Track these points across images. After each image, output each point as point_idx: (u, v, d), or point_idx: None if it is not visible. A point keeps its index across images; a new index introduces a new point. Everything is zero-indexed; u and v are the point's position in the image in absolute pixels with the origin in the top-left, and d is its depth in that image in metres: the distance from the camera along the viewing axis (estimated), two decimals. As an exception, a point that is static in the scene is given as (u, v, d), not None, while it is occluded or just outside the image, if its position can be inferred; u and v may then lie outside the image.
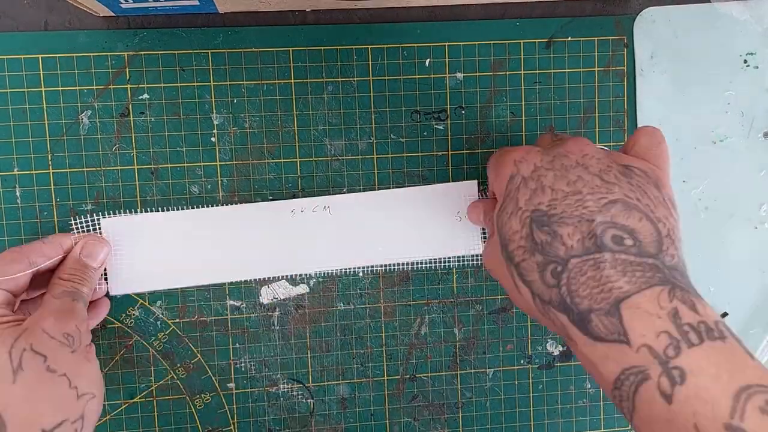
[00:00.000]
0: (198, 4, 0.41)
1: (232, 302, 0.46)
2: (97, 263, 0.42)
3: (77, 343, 0.37)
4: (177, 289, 0.45)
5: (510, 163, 0.35)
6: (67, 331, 0.37)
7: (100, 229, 0.44)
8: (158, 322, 0.45)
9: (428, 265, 0.47)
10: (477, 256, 0.47)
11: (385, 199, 0.46)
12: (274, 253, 0.45)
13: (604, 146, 0.47)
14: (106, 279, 0.43)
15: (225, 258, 0.44)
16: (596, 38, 0.47)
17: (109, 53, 0.44)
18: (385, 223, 0.45)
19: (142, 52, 0.44)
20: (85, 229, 0.43)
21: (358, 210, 0.45)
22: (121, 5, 0.40)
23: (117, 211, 0.44)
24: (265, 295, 0.46)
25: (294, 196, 0.45)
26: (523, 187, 0.34)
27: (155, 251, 0.44)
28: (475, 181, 0.46)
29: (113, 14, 0.43)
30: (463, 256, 0.46)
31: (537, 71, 0.47)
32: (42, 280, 0.40)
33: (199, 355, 0.46)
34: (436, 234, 0.46)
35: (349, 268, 0.46)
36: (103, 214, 0.44)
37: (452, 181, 0.46)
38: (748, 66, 0.48)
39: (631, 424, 0.29)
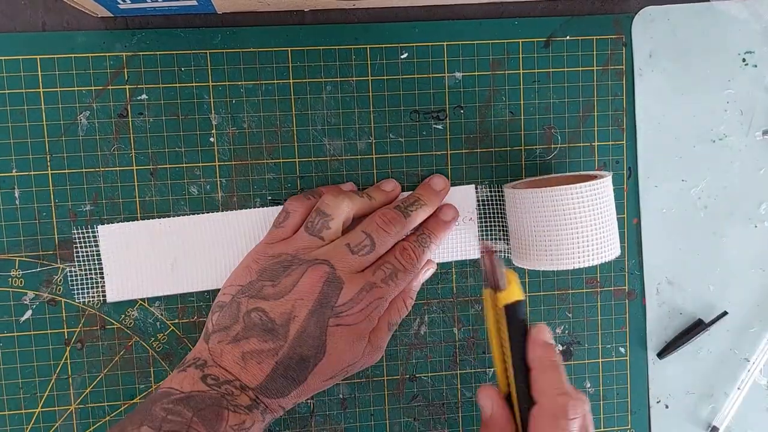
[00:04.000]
0: (196, 4, 0.41)
1: (231, 303, 0.46)
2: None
3: None
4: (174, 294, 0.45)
5: None
6: None
7: (97, 234, 0.44)
8: (157, 323, 0.45)
9: (427, 264, 0.47)
10: (474, 260, 0.47)
11: None
12: None
13: (602, 144, 0.47)
14: None
15: (220, 264, 0.44)
16: (595, 37, 0.47)
17: (107, 54, 0.43)
18: None
19: (141, 53, 0.44)
20: (84, 237, 0.43)
21: None
22: (119, 6, 0.40)
23: (116, 212, 0.44)
24: (265, 296, 0.46)
25: (293, 197, 0.45)
26: None
27: (150, 258, 0.44)
28: (473, 186, 0.46)
29: (111, 15, 0.43)
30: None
31: (536, 70, 0.47)
32: None
33: (198, 355, 0.46)
34: None
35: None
36: (102, 215, 0.44)
37: (451, 180, 0.46)
38: (746, 64, 0.48)
39: None
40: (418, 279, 0.45)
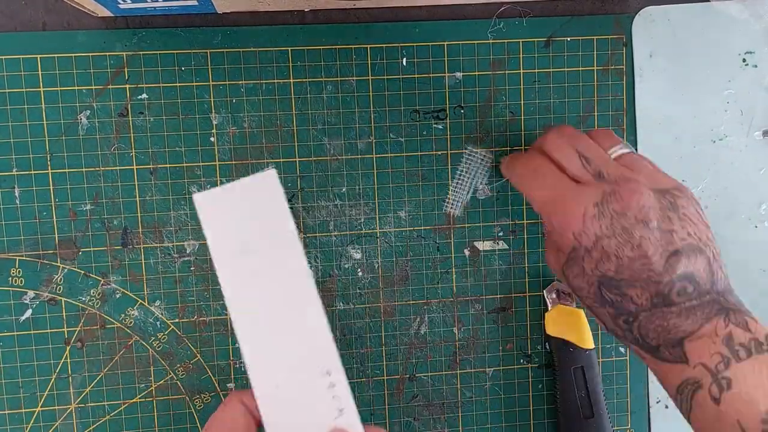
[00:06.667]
0: (196, 4, 0.41)
1: (231, 302, 0.46)
2: None
3: None
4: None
5: (569, 237, 0.36)
6: None
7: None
8: (157, 323, 0.45)
9: (428, 264, 0.47)
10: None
11: None
12: None
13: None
14: None
15: None
16: (595, 37, 0.47)
17: (107, 53, 0.43)
18: None
19: (141, 52, 0.44)
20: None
21: None
22: (119, 5, 0.40)
23: (116, 212, 0.44)
24: (265, 295, 0.46)
25: (294, 196, 0.45)
26: (588, 257, 0.36)
27: None
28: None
29: (111, 14, 0.43)
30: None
31: (536, 70, 0.47)
32: None
33: (198, 355, 0.46)
34: None
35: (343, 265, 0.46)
36: (102, 215, 0.44)
37: (451, 180, 0.46)
38: (747, 65, 0.48)
39: (689, 423, 0.35)
40: None
